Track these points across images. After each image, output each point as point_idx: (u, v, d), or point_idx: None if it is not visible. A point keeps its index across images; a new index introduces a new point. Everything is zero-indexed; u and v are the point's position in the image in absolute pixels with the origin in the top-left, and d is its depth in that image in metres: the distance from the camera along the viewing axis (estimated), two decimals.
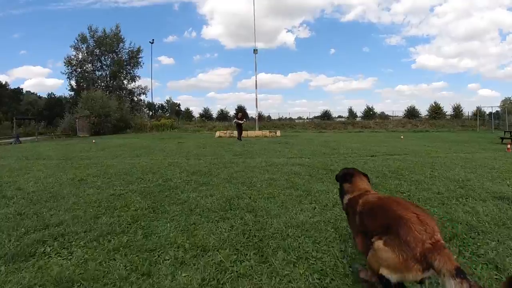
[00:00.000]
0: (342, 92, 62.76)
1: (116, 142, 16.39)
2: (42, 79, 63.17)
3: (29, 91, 49.66)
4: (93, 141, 17.59)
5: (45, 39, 55.47)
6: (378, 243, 1.42)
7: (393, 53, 59.68)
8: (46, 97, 48.18)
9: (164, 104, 52.85)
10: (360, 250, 1.73)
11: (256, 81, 21.80)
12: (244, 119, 16.84)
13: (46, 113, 41.49)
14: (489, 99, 68.24)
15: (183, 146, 11.92)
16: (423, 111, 36.96)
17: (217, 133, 19.17)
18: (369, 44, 60.44)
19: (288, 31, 65.02)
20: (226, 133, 18.79)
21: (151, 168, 6.23)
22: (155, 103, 54.81)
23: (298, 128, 29.06)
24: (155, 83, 63.48)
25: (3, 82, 44.06)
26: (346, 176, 2.01)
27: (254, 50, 22.65)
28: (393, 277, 1.35)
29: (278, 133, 19.40)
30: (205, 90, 68.63)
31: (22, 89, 48.18)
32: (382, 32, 61.02)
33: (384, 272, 1.37)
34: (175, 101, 52.03)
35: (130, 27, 59.51)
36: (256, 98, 21.67)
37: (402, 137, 17.81)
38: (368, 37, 60.41)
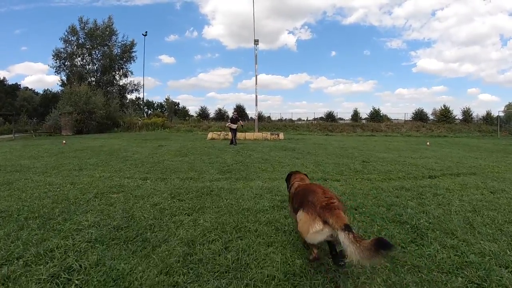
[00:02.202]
0: (342, 95, 59.97)
1: (85, 144, 13.51)
2: (43, 75, 61.27)
3: (27, 87, 47.88)
4: (63, 141, 14.74)
5: (46, 36, 54.43)
6: (299, 212, 1.97)
7: (393, 57, 57.34)
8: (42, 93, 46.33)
9: (163, 103, 51.73)
10: (290, 213, 2.49)
11: (256, 75, 18.92)
12: (240, 121, 13.16)
13: (41, 109, 39.46)
14: (489, 104, 66.92)
15: (158, 153, 9.04)
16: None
17: (210, 134, 16.24)
18: (370, 47, 57.86)
19: (290, 32, 61.80)
20: (220, 135, 15.87)
21: (56, 205, 3.36)
22: (154, 102, 53.44)
23: (302, 130, 26.08)
24: (156, 82, 62.19)
25: (1, 78, 42.49)
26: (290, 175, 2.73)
27: (254, 41, 19.80)
28: (309, 237, 1.78)
29: (281, 135, 16.48)
30: (206, 90, 66.68)
31: (20, 85, 46.70)
32: (383, 36, 58.06)
33: (304, 235, 1.82)
34: (175, 100, 50.23)
35: (132, 26, 58.51)
36: (256, 95, 18.79)
37: (428, 143, 15.00)
38: (369, 40, 57.79)
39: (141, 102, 42.18)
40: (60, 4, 50.74)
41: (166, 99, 50.81)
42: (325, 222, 1.70)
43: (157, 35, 60.42)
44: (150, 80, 62.27)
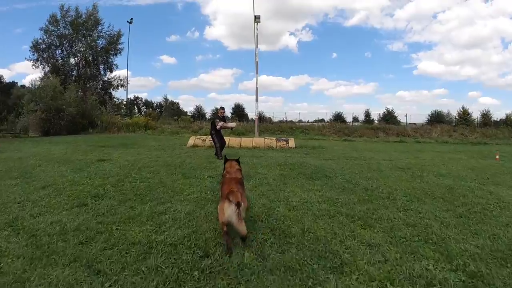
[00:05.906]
0: (343, 97, 58.86)
1: (15, 153, 9.09)
2: (44, 74, 59.42)
3: (24, 85, 45.48)
4: None
5: None
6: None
7: (395, 59, 56.35)
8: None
9: (162, 103, 49.84)
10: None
11: (256, 61, 14.42)
12: (227, 121, 9.05)
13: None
14: (489, 108, 65.18)
15: (59, 186, 4.57)
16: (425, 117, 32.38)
17: (191, 140, 11.71)
18: (371, 49, 56.74)
19: (291, 34, 60.31)
20: (204, 140, 11.40)
21: None
22: (153, 102, 51.08)
23: (313, 133, 21.53)
24: (157, 82, 60.25)
25: None
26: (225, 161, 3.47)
27: (254, 17, 15.34)
28: (224, 216, 2.39)
29: (291, 142, 11.97)
30: (207, 91, 65.82)
31: (16, 83, 44.52)
32: (385, 38, 57.92)
33: (220, 218, 2.48)
34: (175, 101, 48.35)
35: (133, 26, 56.42)
36: (257, 87, 14.31)
37: (497, 157, 10.55)
38: (370, 42, 56.86)
39: (140, 102, 38.01)
40: (61, 2, 49.63)
41: (164, 99, 48.13)
42: (229, 201, 2.37)
43: (158, 35, 58.77)
44: (151, 80, 60.22)
